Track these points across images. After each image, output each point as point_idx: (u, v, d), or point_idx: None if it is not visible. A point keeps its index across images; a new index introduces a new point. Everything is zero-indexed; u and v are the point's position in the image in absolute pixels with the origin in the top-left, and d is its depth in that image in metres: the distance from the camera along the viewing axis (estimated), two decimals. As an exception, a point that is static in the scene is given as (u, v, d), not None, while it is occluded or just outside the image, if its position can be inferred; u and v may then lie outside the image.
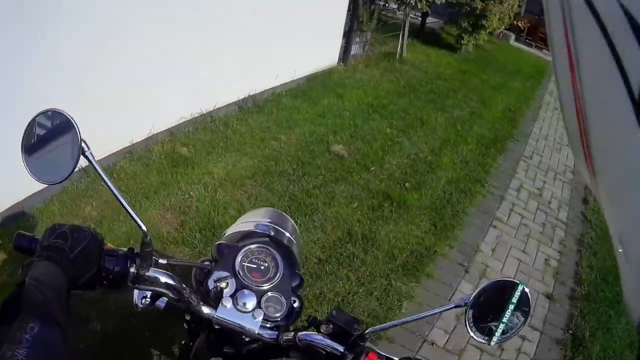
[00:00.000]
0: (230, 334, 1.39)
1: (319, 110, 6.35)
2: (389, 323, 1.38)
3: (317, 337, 1.29)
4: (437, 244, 4.79)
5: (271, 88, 6.28)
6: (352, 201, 4.80)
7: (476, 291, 1.27)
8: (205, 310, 1.32)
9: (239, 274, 1.38)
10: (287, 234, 1.68)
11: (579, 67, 0.59)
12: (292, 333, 1.31)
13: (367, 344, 1.31)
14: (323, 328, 1.30)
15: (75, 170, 1.13)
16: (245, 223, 1.70)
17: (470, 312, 1.27)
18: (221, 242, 1.51)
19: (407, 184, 5.49)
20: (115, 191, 1.13)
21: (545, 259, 5.68)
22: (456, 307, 1.29)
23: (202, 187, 4.18)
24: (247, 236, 1.54)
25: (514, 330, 1.32)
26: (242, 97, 5.76)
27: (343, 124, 6.19)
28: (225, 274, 1.38)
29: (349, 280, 3.91)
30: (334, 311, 1.33)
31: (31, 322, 0.89)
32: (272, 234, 1.61)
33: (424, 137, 6.86)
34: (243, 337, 1.38)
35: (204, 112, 5.19)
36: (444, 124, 7.64)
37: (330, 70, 7.64)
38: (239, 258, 1.40)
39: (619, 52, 0.52)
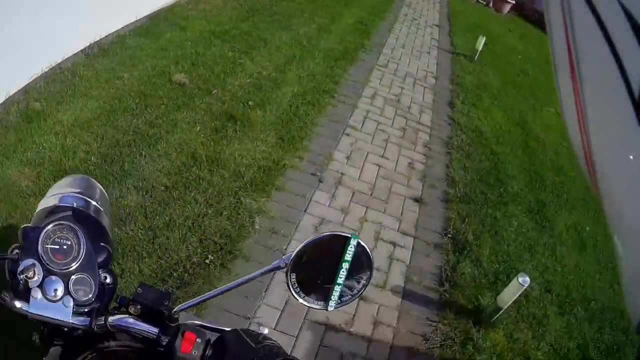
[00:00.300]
0: (52, 325, 1.30)
1: (162, 44, 6.45)
2: (200, 297, 1.29)
3: (128, 321, 1.23)
4: (286, 157, 5.01)
5: (115, 31, 6.38)
6: (195, 126, 4.99)
7: (297, 249, 1.21)
8: (18, 305, 1.22)
9: (43, 259, 1.26)
10: (94, 203, 1.57)
11: (579, 67, 0.61)
12: (104, 318, 1.23)
13: (183, 320, 1.27)
14: (132, 309, 1.24)
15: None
16: (50, 197, 1.58)
17: (294, 275, 1.22)
18: (26, 225, 1.38)
19: (250, 102, 5.66)
20: None
21: (409, 163, 5.88)
22: (275, 269, 1.23)
23: (53, 136, 4.34)
24: (52, 212, 1.46)
25: (357, 290, 1.28)
26: (88, 44, 5.87)
27: (185, 54, 6.34)
28: (30, 261, 1.25)
29: (198, 203, 4.09)
30: (139, 288, 1.26)
31: None
32: (76, 205, 1.51)
33: (267, 56, 7.04)
34: (64, 328, 1.30)
35: (53, 65, 5.31)
36: (289, 42, 7.80)
37: (174, 5, 7.75)
38: (40, 241, 1.28)
39: (619, 52, 0.54)
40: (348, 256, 1.22)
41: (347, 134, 5.95)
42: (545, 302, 4.65)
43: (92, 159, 4.19)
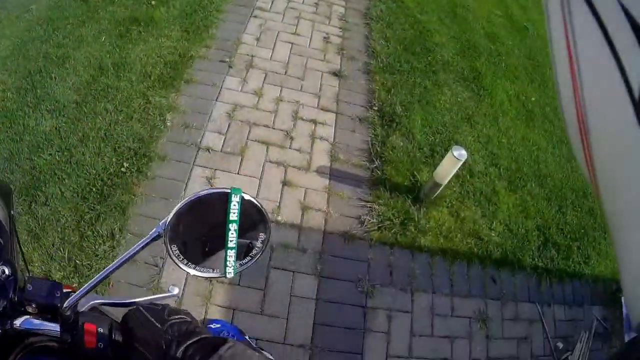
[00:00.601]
0: None
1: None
2: (85, 286, 1.16)
3: (34, 322, 1.14)
4: (192, 48, 5.18)
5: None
6: (100, 36, 5.12)
7: (169, 215, 1.11)
8: None
9: None
10: None
11: (579, 67, 0.61)
12: (10, 322, 1.12)
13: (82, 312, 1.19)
14: (29, 309, 1.14)
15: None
16: None
17: (175, 246, 1.14)
18: None
19: (153, 2, 5.72)
20: None
21: (325, 37, 5.90)
22: (153, 239, 1.13)
23: None
24: None
25: (257, 250, 1.21)
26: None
27: None
28: None
29: (108, 112, 4.30)
30: (29, 285, 1.13)
31: None
32: None
33: None
34: None
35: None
36: None
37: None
38: None
39: (619, 52, 0.54)
40: (233, 215, 1.12)
41: (255, 16, 5.94)
42: (493, 177, 4.71)
43: (8, 94, 4.42)
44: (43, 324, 1.15)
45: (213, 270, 1.21)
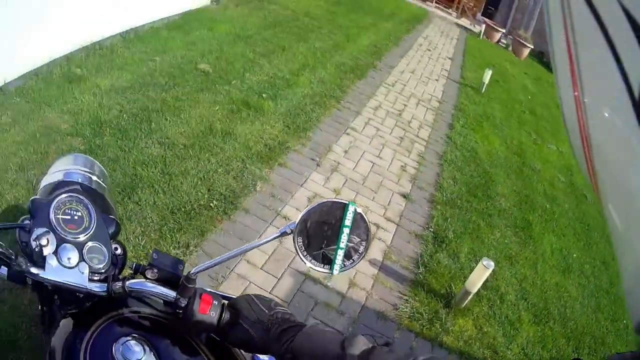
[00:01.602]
0: (67, 293, 1.38)
1: (191, 39, 7.37)
2: (214, 259, 1.36)
3: (147, 285, 1.30)
4: (290, 141, 5.70)
5: (150, 22, 7.36)
6: (214, 105, 5.78)
7: (300, 215, 1.29)
8: (34, 271, 1.29)
9: (57, 228, 1.34)
10: (96, 179, 1.66)
11: (579, 67, 0.62)
12: (121, 283, 1.31)
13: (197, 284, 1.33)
14: (149, 274, 1.32)
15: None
16: (55, 173, 1.66)
17: (300, 240, 1.29)
18: (35, 197, 1.47)
19: (264, 95, 6.47)
20: None
21: (402, 166, 6.39)
22: (282, 235, 1.30)
23: (91, 95, 5.15)
24: (58, 187, 1.54)
25: (358, 255, 1.36)
26: (125, 29, 6.84)
27: (211, 49, 7.23)
28: (43, 230, 1.33)
29: (210, 162, 4.82)
30: (154, 254, 1.33)
31: None
32: (81, 180, 1.60)
33: (284, 62, 7.91)
34: (77, 294, 1.36)
35: (94, 41, 6.22)
36: (305, 52, 8.66)
37: (204, 8, 8.74)
38: (52, 211, 1.37)
39: (619, 52, 0.55)
40: (347, 222, 1.31)
41: (348, 134, 6.61)
42: (520, 308, 4.83)
43: (124, 116, 5.01)
44: (157, 287, 1.32)
45: (323, 266, 1.39)
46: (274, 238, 1.35)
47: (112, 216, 1.47)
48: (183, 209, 4.17)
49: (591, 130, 0.65)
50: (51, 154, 4.28)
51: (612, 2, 0.55)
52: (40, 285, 1.43)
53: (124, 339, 1.27)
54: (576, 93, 0.64)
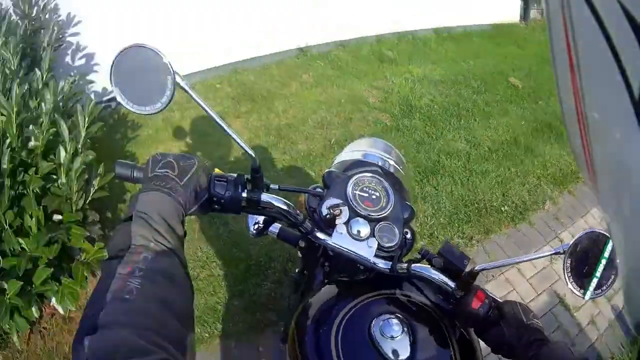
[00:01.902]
0: (344, 262, 1.44)
1: (502, 51, 7.31)
2: (497, 262, 1.37)
3: (430, 271, 1.32)
4: (582, 174, 5.57)
5: (463, 25, 7.43)
6: (521, 120, 5.70)
7: (573, 240, 1.28)
8: (320, 236, 1.36)
9: (352, 202, 1.41)
10: (395, 164, 1.70)
11: (579, 67, 0.59)
12: (406, 264, 1.33)
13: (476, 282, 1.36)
14: (435, 262, 1.33)
15: (171, 101, 1.18)
16: (353, 152, 1.73)
17: (569, 261, 1.29)
18: (331, 169, 1.54)
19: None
20: (218, 119, 1.19)
21: None
22: (555, 253, 1.32)
23: (403, 79, 5.28)
24: (356, 165, 1.61)
25: (605, 287, 1.33)
26: (438, 26, 6.96)
27: (522, 65, 7.07)
28: (338, 201, 1.41)
29: (509, 170, 4.82)
30: (446, 245, 1.35)
31: (143, 253, 0.93)
32: (381, 163, 1.65)
33: None
34: (357, 265, 1.41)
35: (406, 30, 6.39)
36: None
37: (512, 24, 8.62)
38: (350, 186, 1.44)
39: (619, 52, 0.53)
40: (606, 253, 1.29)
41: None
42: None
43: (435, 107, 5.09)
44: (439, 275, 1.32)
45: (578, 289, 1.33)
46: (549, 255, 1.33)
47: (407, 202, 1.51)
48: (475, 205, 4.25)
49: (591, 131, 0.61)
50: (354, 121, 4.49)
51: (612, 2, 0.51)
52: (311, 250, 1.59)
53: (386, 315, 1.29)
54: (576, 93, 0.60)
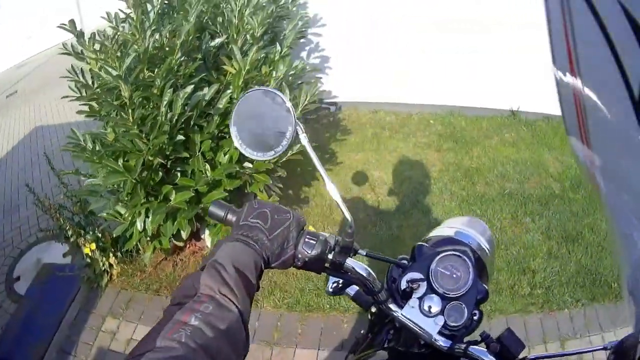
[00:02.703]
0: (406, 333, 1.49)
1: None
2: (550, 352, 1.36)
3: (487, 355, 1.33)
4: None
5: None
6: None
7: (622, 338, 1.16)
8: (392, 307, 1.40)
9: (432, 279, 1.43)
10: (485, 246, 1.70)
11: (579, 67, 0.62)
12: (464, 345, 1.35)
13: None
14: (492, 346, 1.35)
15: (284, 149, 1.24)
16: (447, 229, 1.76)
17: (612, 357, 1.19)
18: (421, 243, 1.58)
19: None
20: (326, 177, 1.23)
21: None
22: (603, 348, 1.26)
23: None
24: (447, 242, 1.63)
25: None
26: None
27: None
28: (419, 275, 1.44)
29: None
30: (506, 332, 1.37)
31: (206, 303, 0.94)
32: (470, 243, 1.65)
33: None
34: (418, 339, 1.45)
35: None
36: None
37: None
38: (434, 263, 1.45)
39: (619, 52, 0.54)
40: None
41: None
42: None
43: None
44: None
45: None
46: (593, 350, 1.37)
47: (485, 284, 1.50)
48: (594, 275, 4.24)
49: (591, 130, 0.65)
50: (530, 182, 4.97)
51: (612, 2, 0.54)
52: (380, 316, 1.66)
53: None
54: (576, 93, 0.65)
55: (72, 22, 3.46)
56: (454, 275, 1.44)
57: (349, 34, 5.86)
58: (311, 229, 1.28)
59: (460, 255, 1.46)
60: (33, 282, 4.70)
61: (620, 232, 0.71)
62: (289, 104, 1.21)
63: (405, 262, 1.51)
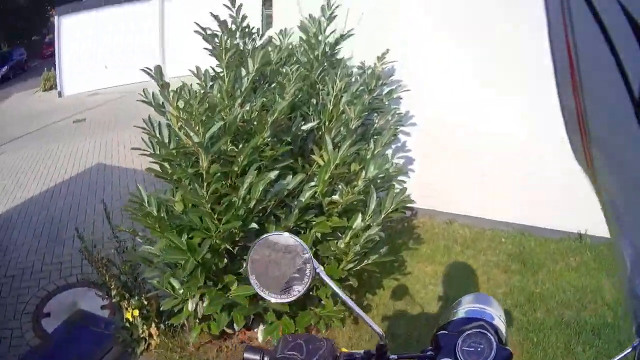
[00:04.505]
0: None
1: None
2: None
3: None
4: None
5: None
6: None
7: None
8: None
9: (460, 359, 1.50)
10: (494, 313, 1.78)
11: (579, 68, 0.62)
12: None
13: None
14: None
15: (306, 289, 1.30)
16: (456, 311, 1.83)
17: None
18: (441, 332, 1.65)
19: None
20: (349, 301, 1.33)
21: None
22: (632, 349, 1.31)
23: None
24: (462, 323, 1.70)
25: None
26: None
27: None
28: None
29: None
30: None
31: None
32: (483, 317, 1.73)
33: None
34: None
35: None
36: None
37: None
38: (459, 344, 1.52)
39: (619, 52, 0.55)
40: None
41: None
42: None
43: None
44: None
45: None
46: (624, 355, 1.38)
47: (507, 347, 1.58)
48: None
49: (591, 130, 0.66)
50: (587, 310, 4.85)
51: (612, 2, 0.54)
52: None
53: None
54: (576, 93, 0.65)
55: (158, 68, 3.30)
56: (479, 349, 1.51)
57: (438, 136, 5.80)
58: (344, 350, 1.40)
59: (479, 329, 1.55)
60: (63, 324, 4.65)
61: (620, 232, 0.72)
62: (304, 245, 1.30)
63: (431, 352, 1.58)
